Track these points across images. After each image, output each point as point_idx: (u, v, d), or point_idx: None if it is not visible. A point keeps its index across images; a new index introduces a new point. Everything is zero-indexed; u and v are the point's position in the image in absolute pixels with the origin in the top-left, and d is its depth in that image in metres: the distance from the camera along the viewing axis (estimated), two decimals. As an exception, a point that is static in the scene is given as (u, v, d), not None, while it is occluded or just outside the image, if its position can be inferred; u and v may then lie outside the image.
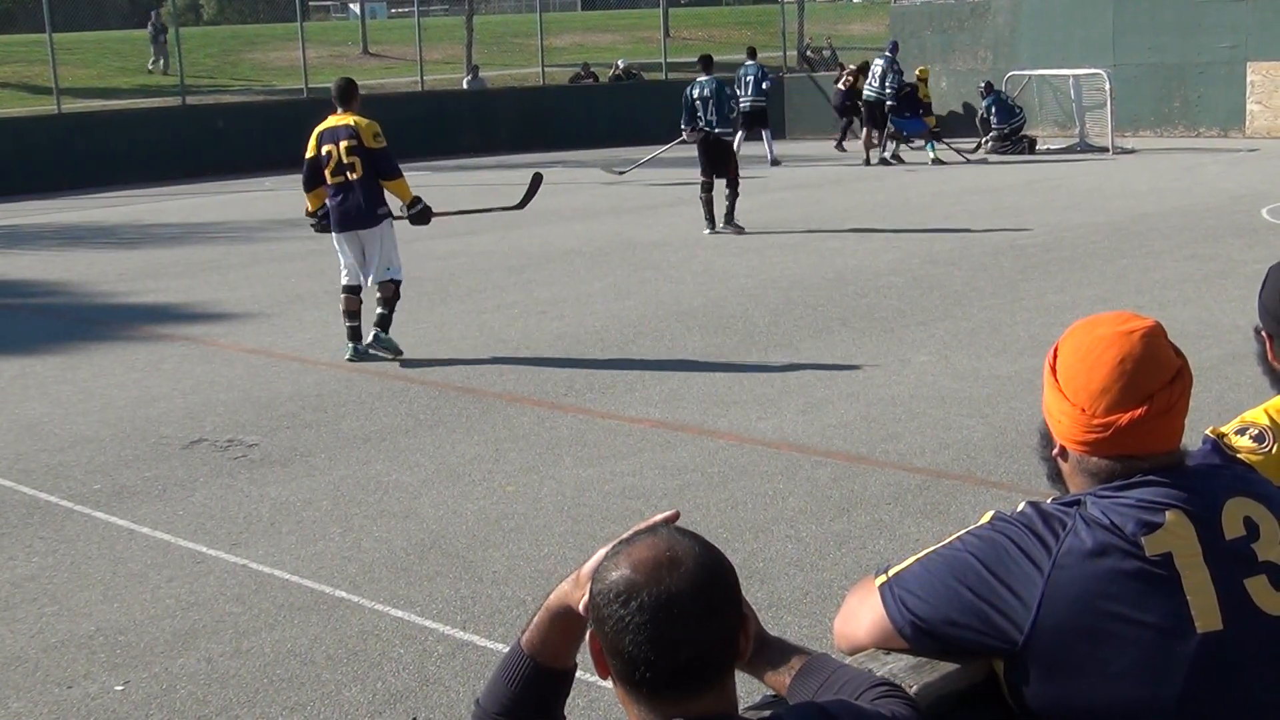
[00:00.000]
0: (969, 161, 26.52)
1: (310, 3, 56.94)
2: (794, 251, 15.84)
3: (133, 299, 14.65)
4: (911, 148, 26.96)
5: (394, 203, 11.34)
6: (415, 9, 38.48)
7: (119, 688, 5.49)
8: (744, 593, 2.04)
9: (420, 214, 11.51)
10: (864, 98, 27.04)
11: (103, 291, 15.13)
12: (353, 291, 11.12)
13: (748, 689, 2.13)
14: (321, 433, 9.05)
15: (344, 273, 11.22)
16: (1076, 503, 2.32)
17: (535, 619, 2.32)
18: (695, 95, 17.44)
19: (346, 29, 57.89)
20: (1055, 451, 2.45)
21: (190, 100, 32.31)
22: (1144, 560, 2.22)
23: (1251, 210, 17.57)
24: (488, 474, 8.05)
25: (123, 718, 5.25)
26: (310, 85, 34.26)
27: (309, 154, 11.08)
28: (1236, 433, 3.05)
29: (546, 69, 36.28)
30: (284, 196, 24.50)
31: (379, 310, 11.11)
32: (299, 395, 10.07)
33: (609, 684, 2.01)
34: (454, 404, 9.70)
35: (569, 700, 2.38)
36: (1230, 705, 2.22)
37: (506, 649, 2.40)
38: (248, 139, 29.54)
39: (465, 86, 35.93)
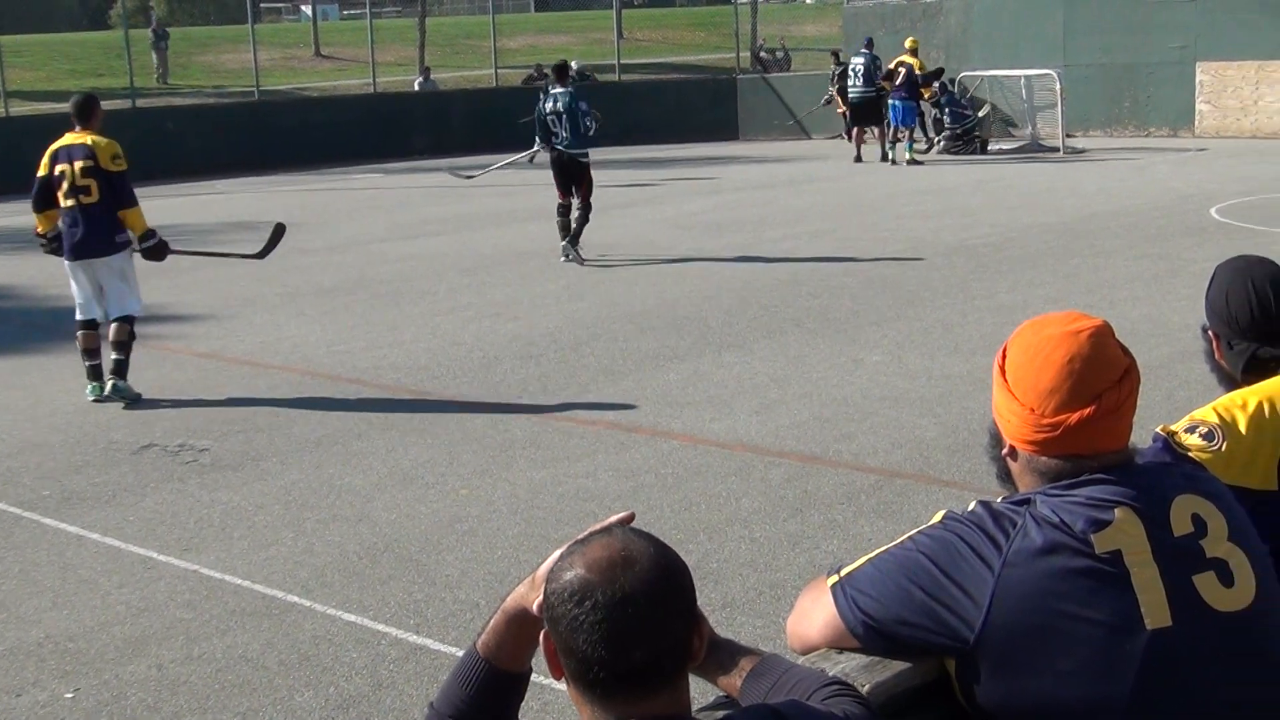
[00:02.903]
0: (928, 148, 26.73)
1: (261, 4, 56.68)
2: (748, 252, 15.86)
3: (82, 303, 14.52)
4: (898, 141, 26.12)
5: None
6: (368, 11, 38.40)
7: (69, 695, 5.44)
8: (698, 594, 2.04)
9: (155, 249, 10.43)
10: (850, 99, 26.85)
11: (52, 296, 14.97)
12: (89, 327, 10.19)
13: (700, 691, 2.13)
14: (273, 437, 9.01)
15: (77, 307, 10.23)
16: (1027, 501, 2.33)
17: (491, 622, 2.31)
18: (547, 109, 15.59)
19: (298, 31, 57.63)
20: (1005, 451, 2.46)
21: (140, 103, 32.12)
22: (1093, 558, 2.24)
23: (1201, 209, 17.71)
24: (441, 477, 8.03)
25: (73, 725, 5.21)
26: (261, 88, 34.14)
27: (40, 172, 10.05)
28: (1186, 431, 3.08)
29: (500, 70, 36.26)
30: (235, 200, 24.42)
31: (114, 356, 10.10)
32: (250, 399, 10.02)
33: (563, 686, 2.01)
34: (407, 407, 9.67)
35: (523, 703, 2.37)
36: (1180, 702, 2.24)
37: (460, 653, 2.39)
38: (199, 142, 29.43)
39: (416, 88, 35.86)
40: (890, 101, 25.62)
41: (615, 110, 33.83)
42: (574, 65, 38.02)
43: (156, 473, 8.33)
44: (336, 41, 51.02)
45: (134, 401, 9.99)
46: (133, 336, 10.19)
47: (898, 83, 25.38)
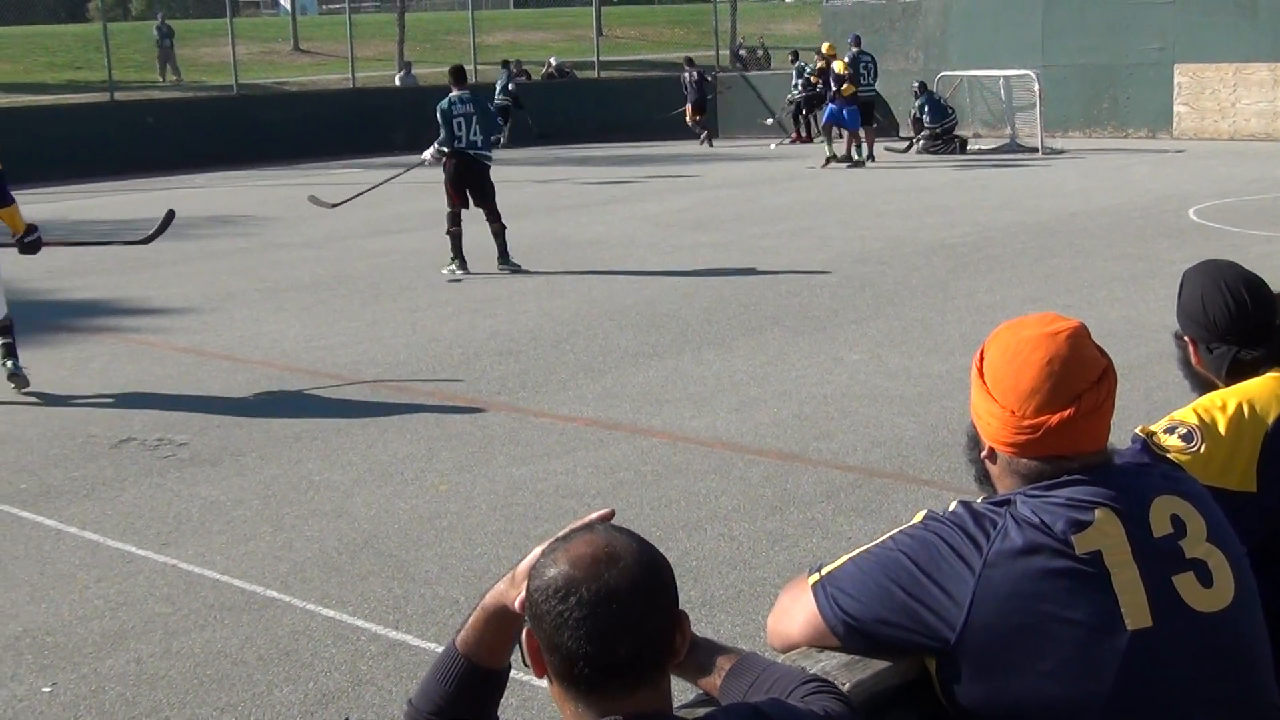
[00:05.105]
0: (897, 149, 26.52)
1: (240, -2, 56.53)
2: (727, 250, 15.87)
3: (60, 296, 14.51)
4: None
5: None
6: (346, 5, 38.31)
7: (47, 689, 5.43)
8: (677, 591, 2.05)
9: (35, 243, 10.30)
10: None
11: (30, 289, 14.93)
12: None
13: (681, 690, 2.14)
14: (252, 431, 8.99)
15: None
16: (1007, 502, 2.34)
17: (471, 618, 2.31)
18: (455, 112, 14.82)
19: (277, 25, 57.46)
20: (984, 454, 2.47)
21: (119, 96, 32.03)
22: (1074, 559, 2.25)
23: (1179, 210, 17.77)
24: (420, 473, 8.02)
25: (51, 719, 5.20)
26: (240, 82, 34.05)
27: None
28: (1165, 431, 3.09)
29: (479, 67, 36.19)
30: (214, 194, 24.36)
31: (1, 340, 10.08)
32: (229, 394, 10.00)
33: (543, 683, 2.01)
34: (386, 402, 9.66)
35: (502, 700, 2.38)
36: (1160, 702, 2.25)
37: (439, 649, 2.39)
38: (177, 135, 29.34)
39: (398, 83, 35.79)
40: (829, 105, 25.48)
41: (595, 107, 33.99)
42: (553, 61, 38.29)
43: (135, 467, 8.30)
44: (315, 36, 50.93)
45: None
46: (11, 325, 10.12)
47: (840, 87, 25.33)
